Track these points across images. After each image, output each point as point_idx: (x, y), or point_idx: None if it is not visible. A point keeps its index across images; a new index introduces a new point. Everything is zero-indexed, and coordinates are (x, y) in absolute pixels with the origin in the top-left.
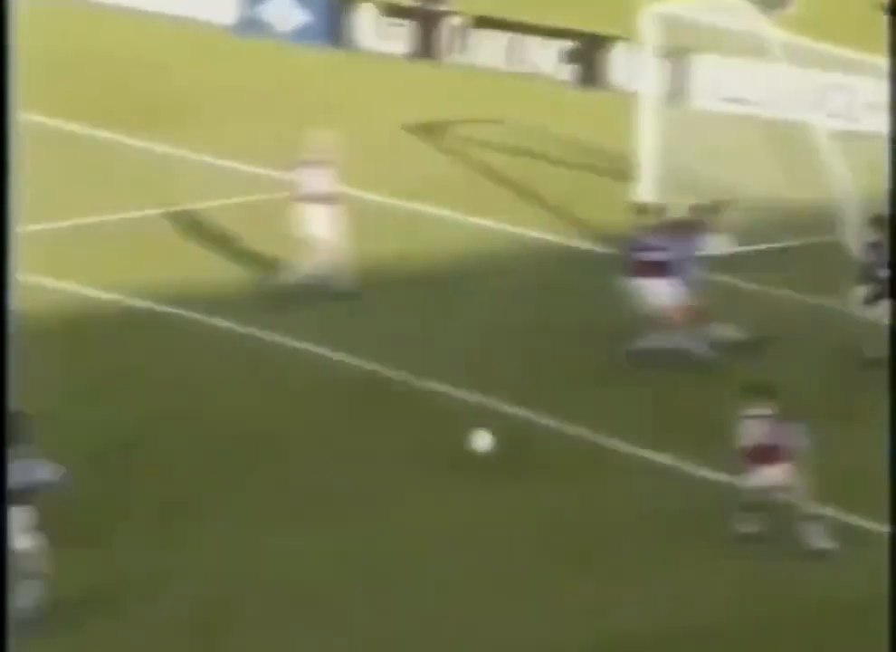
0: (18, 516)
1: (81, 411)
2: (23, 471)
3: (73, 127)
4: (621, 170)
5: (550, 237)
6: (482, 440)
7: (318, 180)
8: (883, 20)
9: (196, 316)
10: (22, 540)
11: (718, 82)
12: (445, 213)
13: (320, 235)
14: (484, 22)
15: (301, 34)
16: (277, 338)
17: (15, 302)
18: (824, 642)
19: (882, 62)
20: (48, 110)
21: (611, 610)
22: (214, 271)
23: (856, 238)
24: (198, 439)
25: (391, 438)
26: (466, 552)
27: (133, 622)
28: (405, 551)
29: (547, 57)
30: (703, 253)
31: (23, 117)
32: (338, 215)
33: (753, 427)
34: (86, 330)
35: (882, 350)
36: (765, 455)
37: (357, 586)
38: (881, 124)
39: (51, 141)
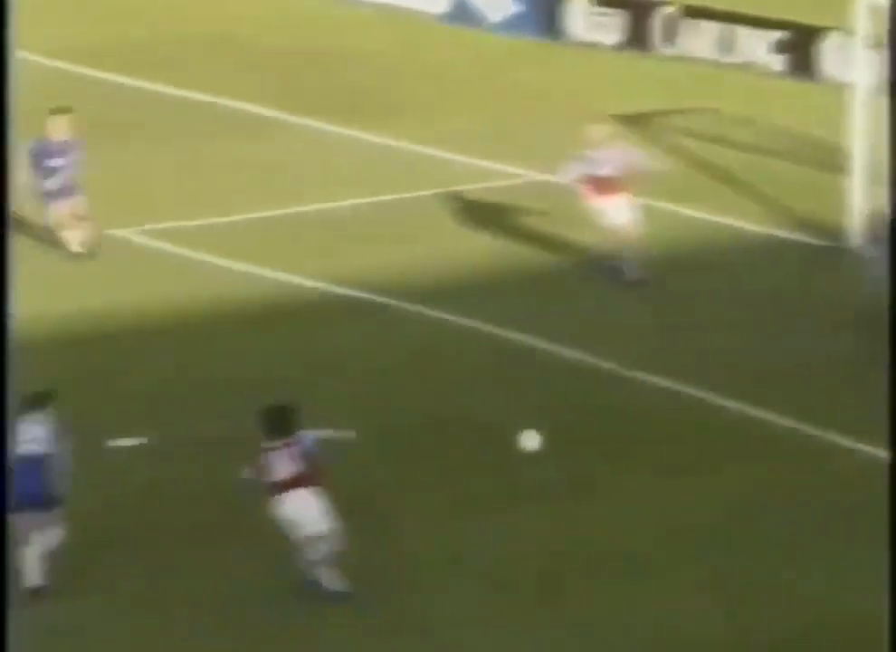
0: (312, 498)
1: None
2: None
3: (286, 117)
4: (831, 162)
5: (760, 228)
6: (531, 441)
7: (605, 169)
8: None
9: (412, 306)
10: (320, 523)
11: None
12: (649, 202)
13: (616, 223)
14: (695, 12)
15: (512, 24)
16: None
17: (230, 288)
18: None
19: None
20: (264, 101)
21: None
22: (433, 259)
23: None
24: (423, 425)
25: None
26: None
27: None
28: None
29: (758, 47)
30: None
31: (237, 106)
32: (629, 203)
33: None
34: (298, 316)
35: None
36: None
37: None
38: None
39: (267, 131)
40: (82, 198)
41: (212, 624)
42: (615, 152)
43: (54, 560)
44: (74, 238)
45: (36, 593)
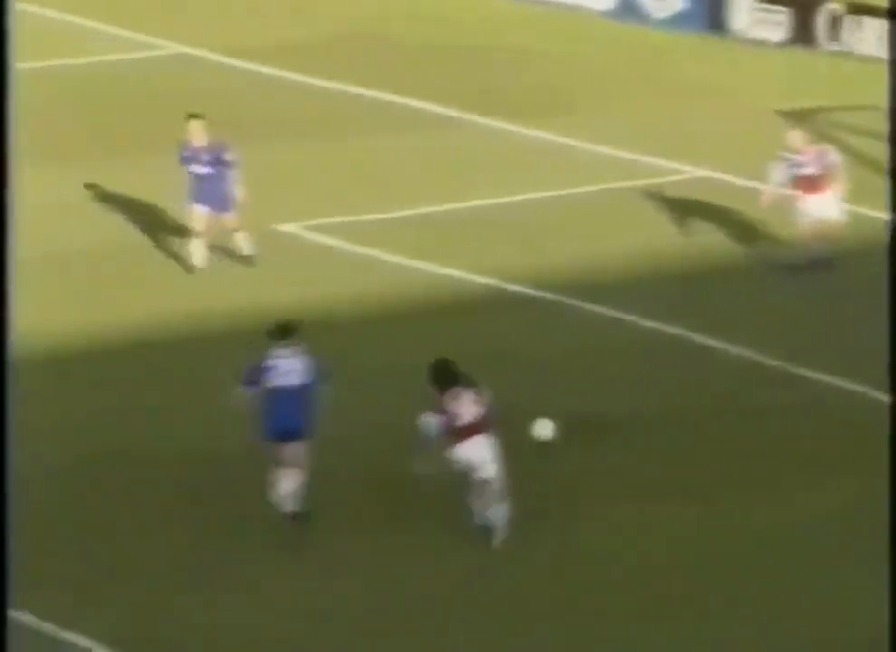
0: (485, 445)
1: None
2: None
3: (454, 113)
4: None
5: None
6: (544, 429)
7: (809, 169)
8: None
9: (574, 302)
10: (490, 467)
11: None
12: None
13: (823, 219)
14: (860, 9)
15: (677, 20)
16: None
17: (386, 285)
18: None
19: None
20: (433, 98)
21: None
22: (599, 254)
23: None
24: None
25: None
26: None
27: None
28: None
29: None
30: None
31: (406, 102)
32: (835, 199)
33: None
34: (462, 313)
35: None
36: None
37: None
38: None
39: (436, 127)
40: (232, 213)
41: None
42: (815, 152)
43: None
44: (240, 243)
45: (295, 518)
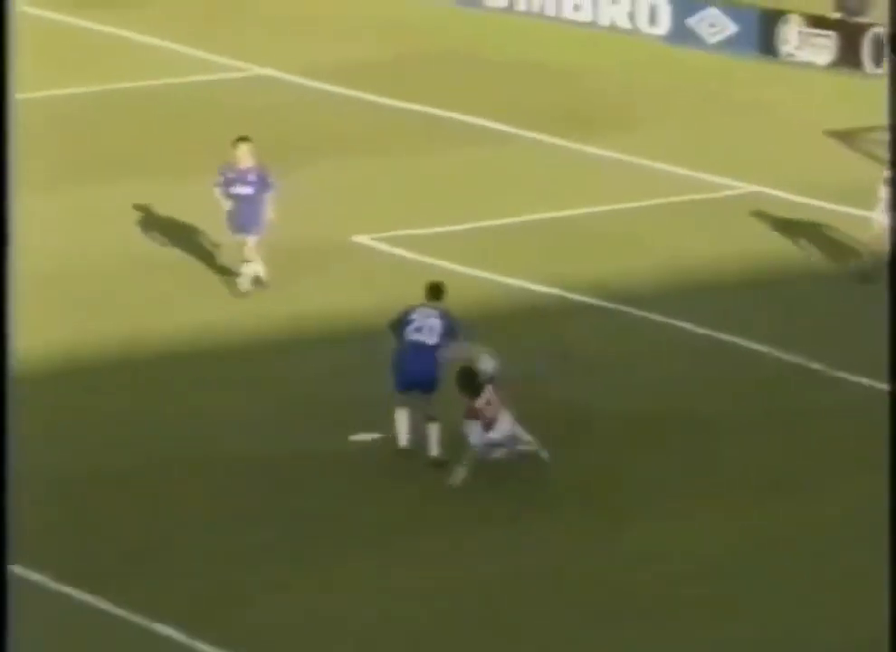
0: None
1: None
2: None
3: (511, 129)
4: None
5: None
6: (487, 364)
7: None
8: None
9: (630, 309)
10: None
11: None
12: (860, 213)
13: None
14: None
15: (730, 44)
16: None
17: (454, 293)
18: None
19: None
20: (486, 113)
21: None
22: (655, 266)
23: None
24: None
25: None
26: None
27: None
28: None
29: None
30: None
31: (465, 119)
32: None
33: None
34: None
35: None
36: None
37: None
38: None
39: (493, 142)
40: (257, 238)
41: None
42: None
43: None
44: (247, 274)
45: (436, 464)
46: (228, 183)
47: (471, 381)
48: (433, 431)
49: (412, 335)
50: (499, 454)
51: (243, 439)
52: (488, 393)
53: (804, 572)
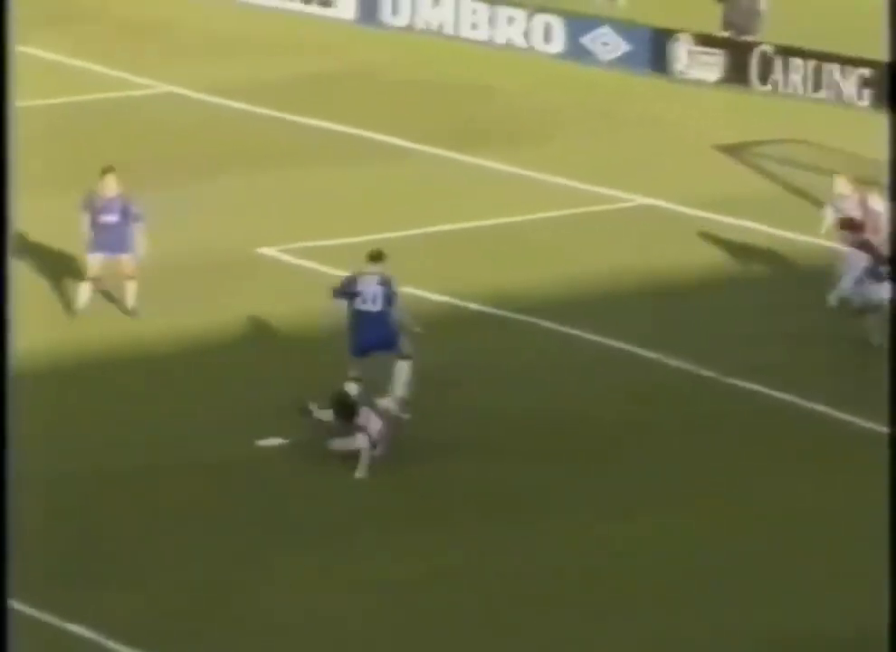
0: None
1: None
2: None
3: (413, 145)
4: None
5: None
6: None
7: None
8: None
9: (527, 318)
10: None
11: None
12: (748, 224)
13: None
14: (789, 51)
15: (623, 62)
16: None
17: None
18: None
19: None
20: (385, 130)
21: None
22: (549, 278)
23: None
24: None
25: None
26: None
27: None
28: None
29: (847, 83)
30: None
31: (369, 135)
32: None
33: None
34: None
35: None
36: None
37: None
38: None
39: (395, 158)
40: (131, 256)
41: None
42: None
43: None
44: (130, 294)
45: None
46: (95, 211)
47: (344, 407)
48: (404, 368)
49: (359, 305)
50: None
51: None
52: (363, 414)
53: (728, 571)
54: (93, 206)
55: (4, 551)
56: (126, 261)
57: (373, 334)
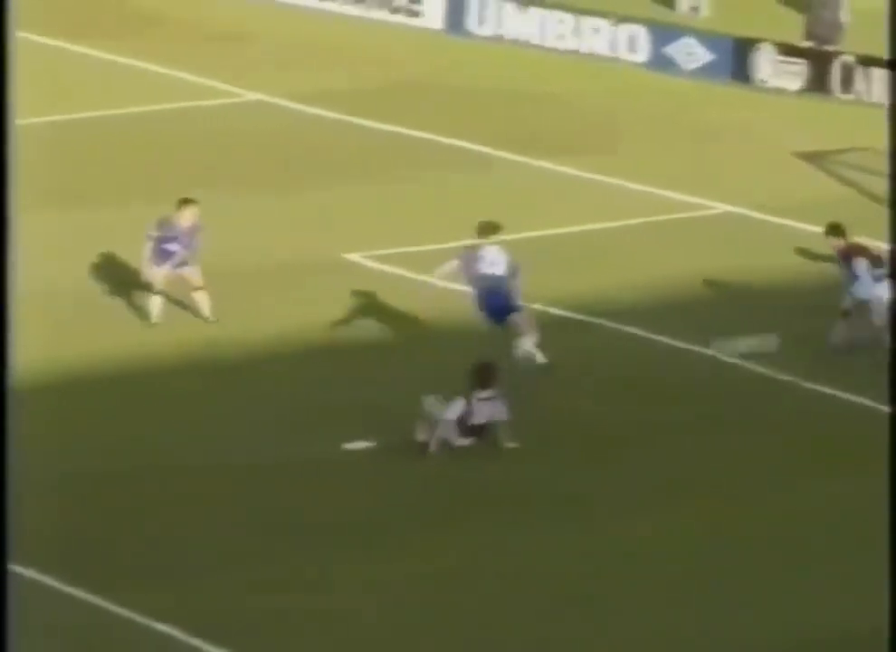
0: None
1: None
2: None
3: (500, 153)
4: None
5: None
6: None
7: None
8: None
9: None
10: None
11: None
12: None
13: None
14: (870, 61)
15: (705, 72)
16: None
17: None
18: None
19: None
20: (470, 138)
21: None
22: (631, 282)
23: None
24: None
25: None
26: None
27: None
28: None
29: None
30: None
31: (451, 143)
32: None
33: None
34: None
35: None
36: None
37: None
38: None
39: (479, 166)
40: (196, 268)
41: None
42: None
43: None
44: (203, 304)
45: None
46: (163, 239)
47: (487, 371)
48: (523, 317)
49: (483, 269)
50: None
51: (240, 446)
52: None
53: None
54: (162, 234)
55: (5, 549)
56: (189, 273)
57: (496, 299)
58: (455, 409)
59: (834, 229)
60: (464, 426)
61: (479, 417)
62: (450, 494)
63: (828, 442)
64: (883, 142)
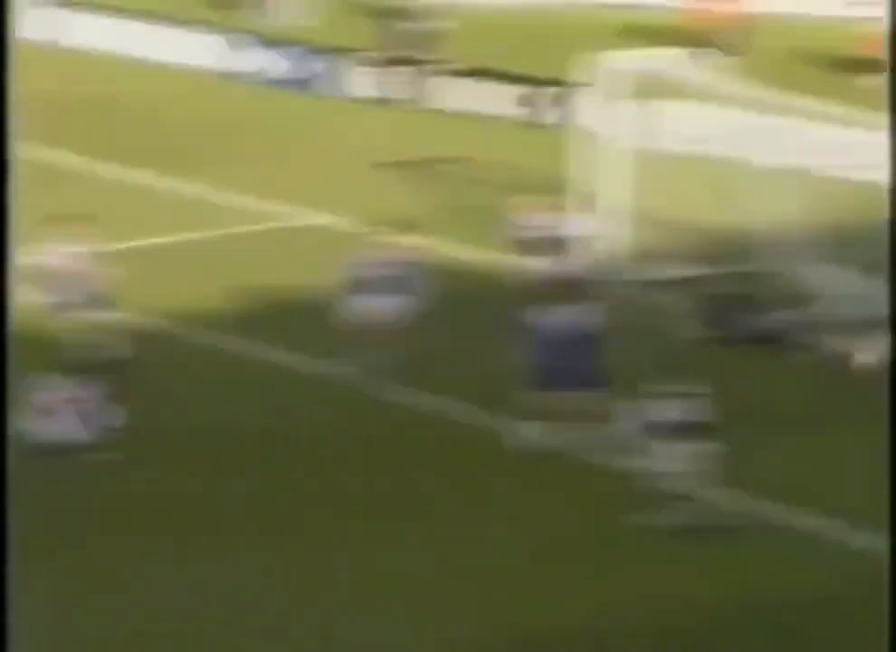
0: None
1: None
2: None
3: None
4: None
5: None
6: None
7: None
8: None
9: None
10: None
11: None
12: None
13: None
14: (461, 72)
15: (282, 81)
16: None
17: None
18: None
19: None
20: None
21: None
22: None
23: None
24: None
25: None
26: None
27: None
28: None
29: (505, 101)
30: None
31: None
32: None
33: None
34: None
35: None
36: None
37: None
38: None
39: (44, 175)
40: None
41: None
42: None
43: None
44: None
45: None
46: None
47: None
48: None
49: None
50: None
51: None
52: None
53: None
54: None
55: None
56: None
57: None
58: None
59: (403, 227)
60: None
61: None
62: None
63: None
64: (463, 150)
